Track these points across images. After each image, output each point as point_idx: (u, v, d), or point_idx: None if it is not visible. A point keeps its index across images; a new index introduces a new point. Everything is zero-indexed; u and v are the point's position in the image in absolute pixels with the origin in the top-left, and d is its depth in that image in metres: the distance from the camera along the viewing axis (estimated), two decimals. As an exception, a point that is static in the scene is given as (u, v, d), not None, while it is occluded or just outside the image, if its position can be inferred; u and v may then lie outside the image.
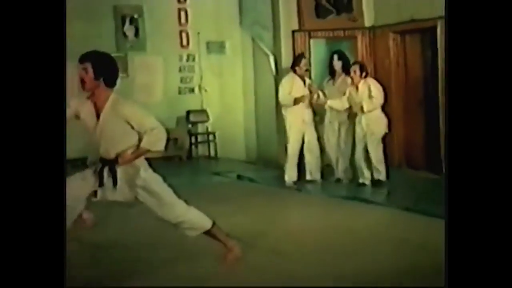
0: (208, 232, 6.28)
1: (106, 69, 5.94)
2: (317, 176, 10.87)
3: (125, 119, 5.95)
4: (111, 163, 6.01)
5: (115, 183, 6.02)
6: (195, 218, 6.24)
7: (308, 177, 10.82)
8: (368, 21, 12.61)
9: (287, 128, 10.83)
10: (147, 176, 6.14)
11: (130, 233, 7.64)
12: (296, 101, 10.52)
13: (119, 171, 6.01)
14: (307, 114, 10.75)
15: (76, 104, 6.07)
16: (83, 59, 5.94)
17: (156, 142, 6.07)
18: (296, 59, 10.99)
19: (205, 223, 6.25)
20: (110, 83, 5.95)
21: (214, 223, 6.28)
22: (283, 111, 10.89)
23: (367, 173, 10.26)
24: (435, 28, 11.03)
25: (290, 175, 10.75)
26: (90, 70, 5.85)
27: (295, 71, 10.69)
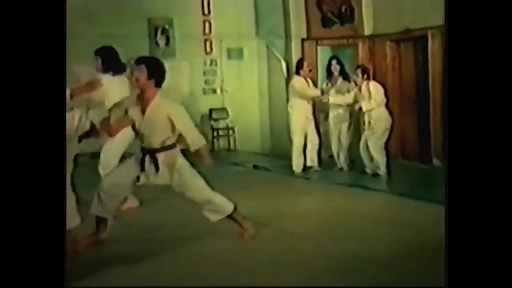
0: (229, 215, 6.34)
1: (157, 72, 6.09)
2: (315, 163, 10.90)
3: (168, 116, 6.07)
4: (153, 152, 6.14)
5: (157, 168, 6.13)
6: (219, 202, 6.29)
7: (308, 163, 10.84)
8: (367, 31, 12.75)
9: (292, 123, 10.80)
10: (183, 162, 6.23)
11: (165, 215, 7.55)
12: (304, 97, 10.67)
13: (160, 158, 6.12)
14: (309, 111, 10.81)
15: (127, 101, 6.27)
16: (139, 61, 6.12)
17: (199, 142, 6.20)
18: (298, 64, 10.96)
19: (228, 207, 6.30)
20: (159, 83, 6.10)
21: (235, 207, 6.33)
22: (289, 109, 10.87)
23: (370, 164, 10.18)
24: (426, 37, 11.25)
25: (297, 164, 10.78)
26: (145, 71, 6.00)
27: (299, 74, 10.75)
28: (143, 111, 6.08)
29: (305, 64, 10.86)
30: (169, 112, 6.09)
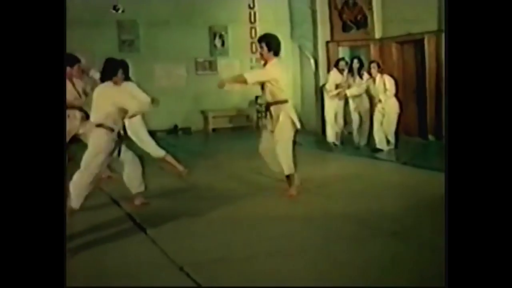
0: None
1: (275, 45, 6.22)
2: (338, 141, 10.54)
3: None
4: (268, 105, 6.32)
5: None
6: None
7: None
8: (378, 34, 12.58)
9: (326, 107, 10.57)
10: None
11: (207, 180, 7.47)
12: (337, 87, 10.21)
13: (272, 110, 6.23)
14: (339, 100, 10.36)
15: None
16: (261, 39, 6.36)
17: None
18: (337, 60, 10.69)
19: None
20: (277, 53, 6.23)
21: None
22: (325, 95, 10.58)
23: (383, 142, 9.68)
24: (423, 40, 11.13)
25: (329, 136, 10.50)
26: (265, 47, 6.19)
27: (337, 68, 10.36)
28: None
29: (341, 63, 10.48)
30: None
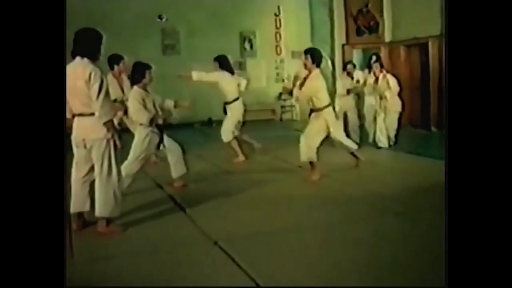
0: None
1: (318, 58, 6.22)
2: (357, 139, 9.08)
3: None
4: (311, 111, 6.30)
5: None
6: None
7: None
8: (387, 38, 12.49)
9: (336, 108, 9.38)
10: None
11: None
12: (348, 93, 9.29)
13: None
14: (350, 100, 9.29)
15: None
16: (306, 51, 6.31)
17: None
18: (345, 64, 9.85)
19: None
20: (318, 65, 6.19)
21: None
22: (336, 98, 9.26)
23: (384, 140, 8.86)
24: (427, 43, 11.05)
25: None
26: (309, 58, 6.16)
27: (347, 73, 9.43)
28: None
29: (349, 66, 9.60)
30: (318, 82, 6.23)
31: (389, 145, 8.91)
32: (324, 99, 6.33)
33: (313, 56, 6.24)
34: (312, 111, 6.40)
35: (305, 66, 6.25)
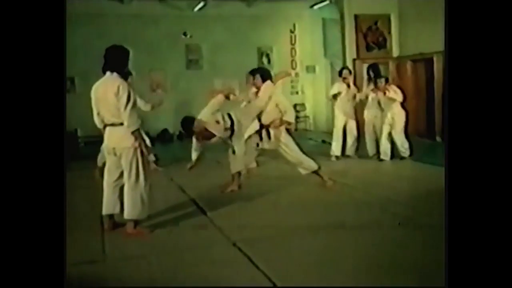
0: (315, 171, 6.19)
1: (266, 76, 5.95)
2: (352, 152, 8.72)
3: (275, 102, 5.97)
4: (267, 127, 6.01)
5: (269, 137, 5.99)
6: (308, 163, 6.14)
7: (347, 153, 8.72)
8: (395, 54, 12.39)
9: (335, 117, 8.83)
10: (286, 135, 6.10)
11: (271, 170, 7.41)
12: (336, 97, 8.64)
13: (271, 132, 6.00)
14: (349, 107, 8.69)
15: (250, 95, 6.04)
16: (253, 72, 6.15)
17: (292, 117, 6.31)
18: (340, 72, 8.96)
19: (314, 166, 6.15)
20: (266, 80, 5.86)
21: (319, 167, 6.19)
22: (334, 107, 8.82)
23: (388, 152, 8.33)
24: (432, 58, 10.96)
25: (334, 150, 8.70)
26: (259, 77, 5.95)
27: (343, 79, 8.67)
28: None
29: (344, 72, 8.85)
30: (276, 100, 6.06)
31: (401, 157, 8.29)
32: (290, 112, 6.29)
33: (262, 75, 6.04)
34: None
35: (256, 85, 6.02)
